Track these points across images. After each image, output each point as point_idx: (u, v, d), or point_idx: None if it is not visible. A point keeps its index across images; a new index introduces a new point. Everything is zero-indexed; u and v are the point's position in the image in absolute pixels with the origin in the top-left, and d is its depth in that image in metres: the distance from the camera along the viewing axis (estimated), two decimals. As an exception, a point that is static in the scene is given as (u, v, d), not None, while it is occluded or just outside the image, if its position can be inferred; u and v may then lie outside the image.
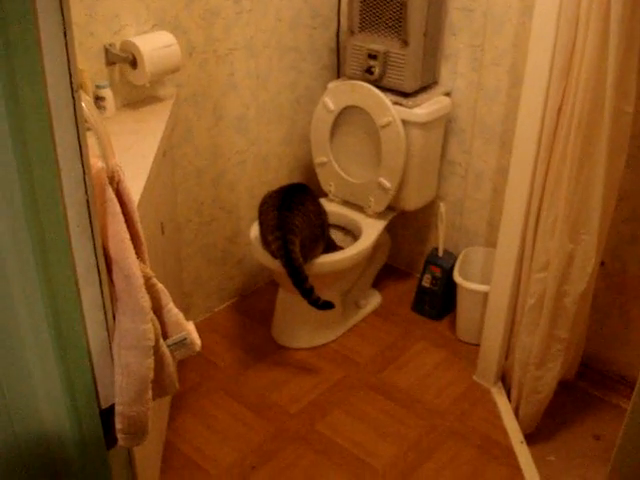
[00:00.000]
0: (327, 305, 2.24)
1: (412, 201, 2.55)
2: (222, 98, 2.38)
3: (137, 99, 2.09)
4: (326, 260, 2.30)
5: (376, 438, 2.15)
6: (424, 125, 2.38)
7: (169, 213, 2.14)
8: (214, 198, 2.51)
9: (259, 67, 2.46)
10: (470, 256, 2.61)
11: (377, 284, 2.83)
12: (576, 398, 2.38)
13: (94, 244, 0.81)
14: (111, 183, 0.86)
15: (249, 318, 2.69)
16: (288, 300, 2.49)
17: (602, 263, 2.18)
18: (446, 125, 2.54)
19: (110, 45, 1.96)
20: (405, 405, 2.28)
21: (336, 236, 2.59)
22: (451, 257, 2.63)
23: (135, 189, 1.53)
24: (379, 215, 2.55)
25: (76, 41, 1.85)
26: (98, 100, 1.94)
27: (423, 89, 2.44)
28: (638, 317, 2.31)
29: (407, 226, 2.87)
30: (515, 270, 2.12)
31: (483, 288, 2.39)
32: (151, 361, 0.88)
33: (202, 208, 2.48)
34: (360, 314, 2.68)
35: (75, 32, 1.84)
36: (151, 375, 0.89)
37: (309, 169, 2.76)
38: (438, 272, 2.62)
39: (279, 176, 2.73)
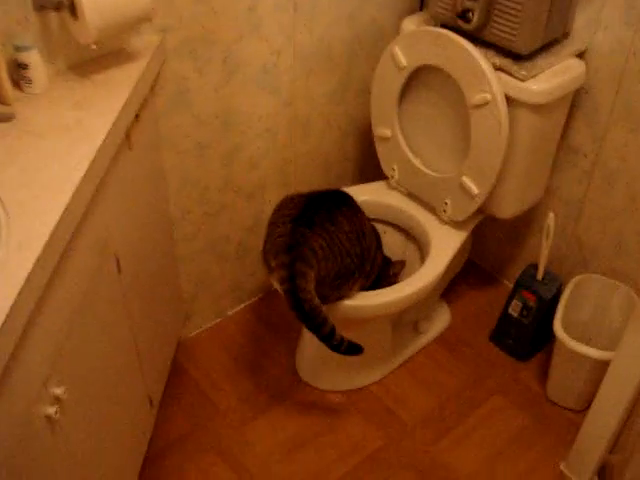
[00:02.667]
0: (354, 349, 1.55)
1: (509, 208, 1.75)
2: (237, 44, 1.59)
3: (90, 57, 1.35)
4: (363, 304, 1.57)
5: None
6: (542, 108, 1.54)
7: (140, 229, 1.46)
8: (225, 180, 1.79)
9: (298, -6, 1.64)
10: (583, 287, 1.83)
11: (448, 292, 2.10)
12: None
13: None
14: None
15: (269, 328, 2.03)
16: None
17: None
18: (573, 97, 1.69)
19: (36, -22, 1.21)
20: (462, 505, 1.64)
21: (394, 239, 1.86)
22: (553, 283, 1.86)
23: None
24: (457, 224, 1.77)
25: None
26: (19, 68, 1.22)
27: (544, 47, 1.58)
28: None
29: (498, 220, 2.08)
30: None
31: (596, 354, 1.65)
32: None
33: (207, 194, 1.77)
34: (418, 342, 1.97)
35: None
36: None
37: (370, 138, 1.96)
38: (532, 301, 1.86)
39: (324, 145, 1.96)
